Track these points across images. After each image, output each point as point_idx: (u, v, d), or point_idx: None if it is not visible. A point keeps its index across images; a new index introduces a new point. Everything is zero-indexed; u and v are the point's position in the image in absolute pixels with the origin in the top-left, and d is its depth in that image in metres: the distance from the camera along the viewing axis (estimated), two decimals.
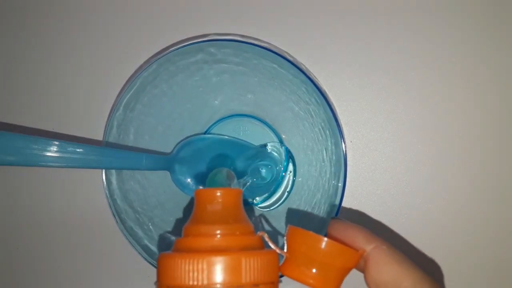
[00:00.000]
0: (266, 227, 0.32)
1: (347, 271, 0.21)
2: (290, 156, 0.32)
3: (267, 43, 0.33)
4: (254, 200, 0.33)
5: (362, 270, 0.21)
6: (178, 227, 0.31)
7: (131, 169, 0.29)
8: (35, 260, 0.36)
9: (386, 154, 0.33)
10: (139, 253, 0.28)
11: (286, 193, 0.33)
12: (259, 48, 0.27)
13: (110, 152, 0.27)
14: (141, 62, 0.34)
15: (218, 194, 0.21)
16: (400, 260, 0.20)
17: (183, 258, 0.19)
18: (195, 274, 0.18)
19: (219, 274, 0.18)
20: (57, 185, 0.35)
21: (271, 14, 0.34)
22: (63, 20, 0.36)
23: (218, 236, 0.20)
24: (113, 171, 0.29)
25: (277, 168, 0.32)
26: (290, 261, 0.21)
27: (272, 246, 0.21)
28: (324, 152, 0.30)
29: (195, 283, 0.18)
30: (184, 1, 0.35)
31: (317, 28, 0.34)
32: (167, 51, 0.28)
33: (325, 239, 0.20)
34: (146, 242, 0.29)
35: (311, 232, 0.20)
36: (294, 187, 0.33)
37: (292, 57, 0.33)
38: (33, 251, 0.36)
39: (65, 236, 0.35)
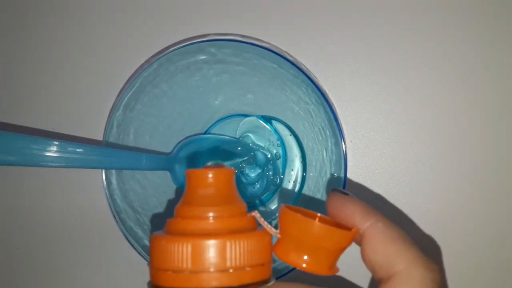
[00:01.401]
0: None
1: (341, 251, 0.20)
2: (271, 119, 0.31)
3: (267, 43, 0.33)
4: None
5: (360, 245, 0.21)
6: None
7: (131, 169, 0.29)
8: (35, 260, 0.36)
9: (386, 154, 0.33)
10: (139, 253, 0.28)
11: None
12: (259, 48, 0.27)
13: (110, 152, 0.27)
14: (141, 62, 0.34)
15: (210, 175, 0.20)
16: (396, 239, 0.20)
17: (169, 241, 0.19)
18: (180, 257, 0.18)
19: (204, 258, 0.18)
20: (57, 185, 0.35)
21: (271, 14, 0.34)
22: (63, 20, 0.36)
23: (207, 218, 0.19)
24: (113, 171, 0.29)
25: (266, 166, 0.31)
26: (282, 243, 0.20)
27: (264, 226, 0.20)
28: (324, 152, 0.30)
29: (181, 266, 0.18)
30: (184, 1, 0.35)
31: (317, 28, 0.34)
32: (167, 51, 0.27)
33: (316, 222, 0.19)
34: (146, 242, 0.29)
35: (300, 215, 0.19)
36: (303, 187, 0.32)
37: (292, 57, 0.33)
38: (33, 251, 0.36)
39: (65, 236, 0.35)
